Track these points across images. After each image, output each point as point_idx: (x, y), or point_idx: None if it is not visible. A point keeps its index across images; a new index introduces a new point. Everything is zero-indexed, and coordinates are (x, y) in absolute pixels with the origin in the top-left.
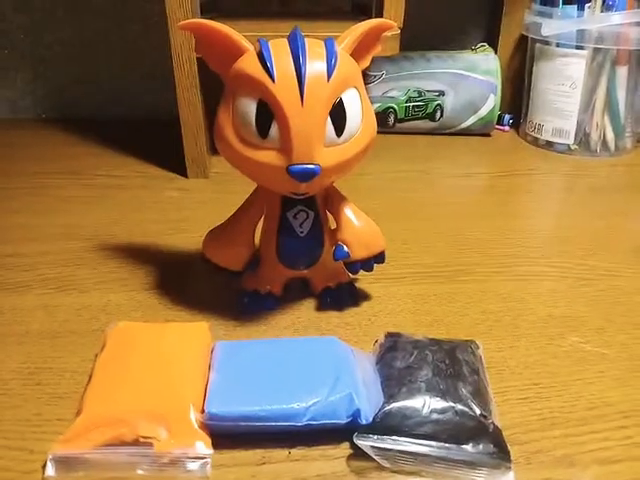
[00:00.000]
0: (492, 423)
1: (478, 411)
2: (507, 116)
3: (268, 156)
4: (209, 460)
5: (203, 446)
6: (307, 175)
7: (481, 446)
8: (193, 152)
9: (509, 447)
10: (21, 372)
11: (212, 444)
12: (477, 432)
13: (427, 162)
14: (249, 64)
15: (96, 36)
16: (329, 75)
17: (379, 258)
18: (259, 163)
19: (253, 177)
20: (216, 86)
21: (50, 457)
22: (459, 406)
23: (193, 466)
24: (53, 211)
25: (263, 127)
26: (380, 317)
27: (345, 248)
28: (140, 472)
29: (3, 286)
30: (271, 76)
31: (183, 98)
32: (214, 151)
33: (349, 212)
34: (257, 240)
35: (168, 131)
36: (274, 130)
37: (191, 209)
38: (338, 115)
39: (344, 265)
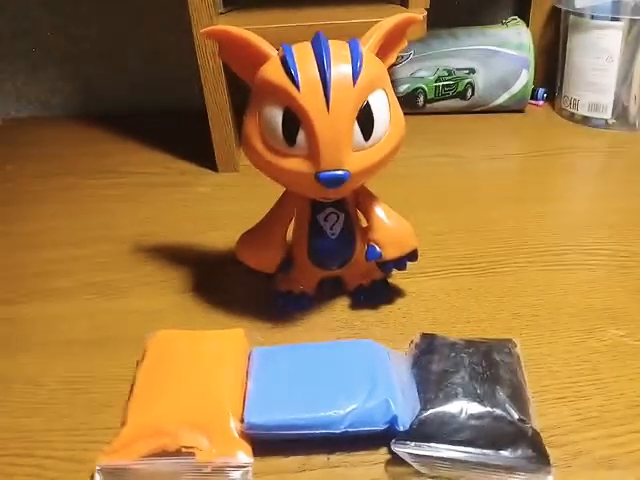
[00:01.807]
0: (530, 427)
1: (516, 415)
2: (541, 90)
3: (296, 163)
4: (250, 468)
5: (244, 455)
6: (336, 182)
7: (520, 451)
8: (222, 146)
9: (548, 450)
10: (67, 381)
11: (252, 452)
12: (515, 437)
13: (459, 144)
14: (273, 72)
15: (122, 30)
16: (355, 79)
17: (411, 257)
18: (287, 171)
19: (282, 183)
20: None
21: (98, 468)
22: (497, 411)
23: (235, 475)
24: (87, 212)
25: (290, 135)
26: (415, 314)
27: (377, 248)
28: None
29: (45, 293)
30: (296, 84)
31: (209, 93)
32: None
33: (380, 211)
34: (289, 240)
35: (197, 124)
36: (301, 137)
37: (223, 205)
38: (365, 119)
39: (377, 265)
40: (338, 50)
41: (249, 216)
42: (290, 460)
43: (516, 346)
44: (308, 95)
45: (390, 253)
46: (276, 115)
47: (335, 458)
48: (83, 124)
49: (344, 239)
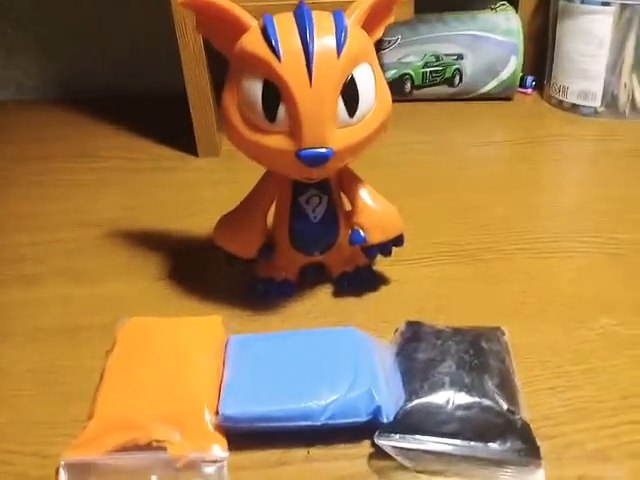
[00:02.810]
0: (520, 418)
1: (505, 406)
2: (529, 78)
3: (276, 141)
4: (225, 463)
5: (219, 449)
6: (319, 160)
7: (509, 443)
8: (202, 130)
9: (538, 442)
10: (35, 371)
11: (228, 446)
12: (504, 429)
13: (446, 131)
14: (253, 42)
15: (100, 13)
16: (339, 51)
17: (397, 241)
18: (267, 148)
19: (262, 162)
20: (224, 60)
21: (63, 463)
22: (485, 401)
23: (209, 470)
24: (62, 197)
25: (270, 109)
26: (400, 302)
27: (361, 233)
28: (154, 478)
29: (15, 279)
30: (276, 54)
31: (189, 75)
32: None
33: (364, 194)
34: (270, 225)
35: (178, 108)
36: (282, 112)
37: (204, 190)
38: (350, 94)
39: (361, 250)
40: (322, 21)
41: (230, 201)
42: (267, 453)
43: (504, 334)
44: (289, 66)
45: (375, 237)
46: (255, 88)
47: (315, 451)
48: (59, 108)
49: (327, 223)
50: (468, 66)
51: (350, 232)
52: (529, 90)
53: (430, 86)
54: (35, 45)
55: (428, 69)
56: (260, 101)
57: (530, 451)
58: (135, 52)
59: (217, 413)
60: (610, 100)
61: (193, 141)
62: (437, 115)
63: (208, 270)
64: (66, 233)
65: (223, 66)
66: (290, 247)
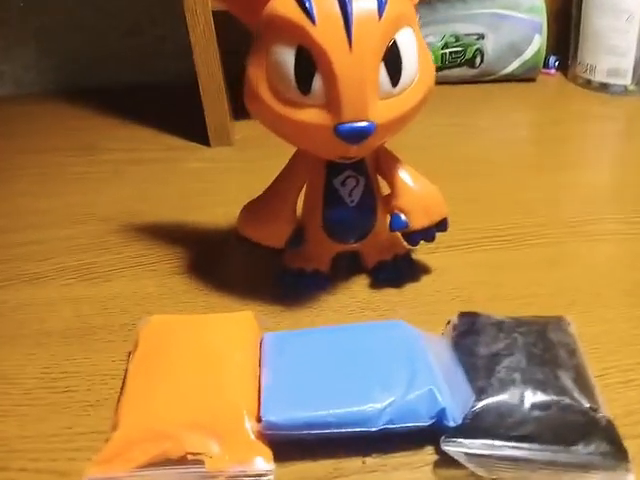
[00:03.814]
0: (603, 417)
1: (586, 404)
2: (552, 58)
3: (311, 115)
4: (272, 477)
5: (263, 461)
6: (359, 135)
7: (593, 445)
8: (214, 119)
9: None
10: (44, 378)
11: (273, 456)
12: (587, 429)
13: (468, 114)
14: (283, 4)
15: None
16: (380, 12)
17: (441, 226)
18: (301, 124)
19: (294, 141)
20: (238, 42)
21: None
22: (564, 399)
23: None
24: (67, 192)
25: (304, 80)
26: (446, 291)
27: (403, 217)
28: None
29: (18, 278)
30: (311, 17)
31: (201, 60)
32: (237, 116)
33: (405, 175)
34: (299, 212)
35: (186, 98)
36: (317, 83)
37: (217, 180)
38: (393, 60)
39: (402, 236)
40: None
41: (246, 192)
42: (318, 465)
43: (570, 324)
44: (326, 30)
45: (417, 222)
46: (287, 57)
47: (372, 461)
48: (61, 100)
49: (364, 207)
50: (489, 46)
51: (390, 217)
52: (552, 71)
53: (450, 68)
54: (33, 38)
55: (448, 50)
56: (293, 71)
57: (617, 453)
58: (140, 40)
59: (259, 420)
60: None
61: (204, 131)
62: (459, 98)
63: (231, 263)
64: (72, 230)
65: (237, 48)
66: (322, 235)
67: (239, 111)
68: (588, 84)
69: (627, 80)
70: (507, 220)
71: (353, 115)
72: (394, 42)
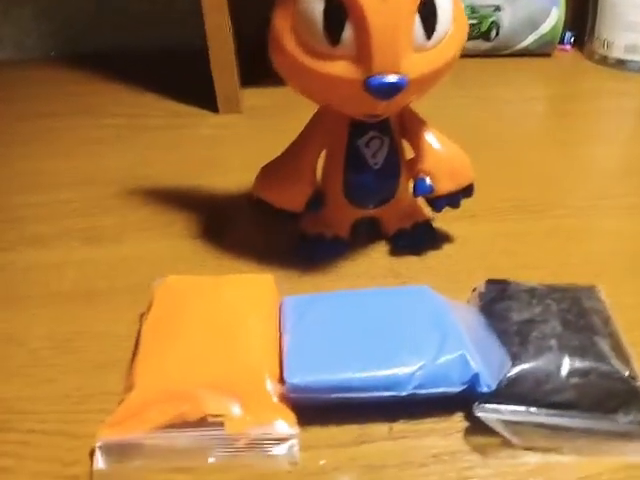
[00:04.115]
0: None
1: (626, 371)
2: (568, 34)
3: (340, 67)
4: (296, 441)
5: (286, 425)
6: (391, 90)
7: (633, 414)
8: (224, 84)
9: None
10: (53, 339)
11: (297, 421)
12: (627, 397)
13: (486, 87)
14: None
15: None
16: None
17: (467, 192)
18: (328, 77)
19: (319, 96)
20: (249, 8)
21: (99, 444)
22: (602, 366)
23: (278, 450)
24: (70, 155)
25: (334, 29)
26: (468, 261)
27: (428, 181)
28: (211, 460)
29: (22, 242)
30: None
31: (211, 22)
32: (245, 83)
33: (431, 137)
34: (319, 175)
35: (194, 64)
36: (348, 33)
37: (227, 147)
38: (428, 10)
39: (427, 201)
40: None
41: (257, 159)
42: (343, 430)
43: (601, 292)
44: None
45: (443, 186)
46: (316, 4)
47: (399, 427)
48: (64, 66)
49: (388, 170)
50: (506, 19)
51: (415, 181)
52: (567, 47)
53: None
54: (33, 1)
55: None
56: (322, 20)
57: None
58: (146, 3)
59: (282, 382)
60: None
61: (213, 97)
62: (473, 70)
63: (244, 228)
64: (75, 192)
65: (247, 12)
66: (343, 199)
67: (248, 78)
68: (604, 61)
69: None
70: (529, 191)
71: (385, 67)
72: None
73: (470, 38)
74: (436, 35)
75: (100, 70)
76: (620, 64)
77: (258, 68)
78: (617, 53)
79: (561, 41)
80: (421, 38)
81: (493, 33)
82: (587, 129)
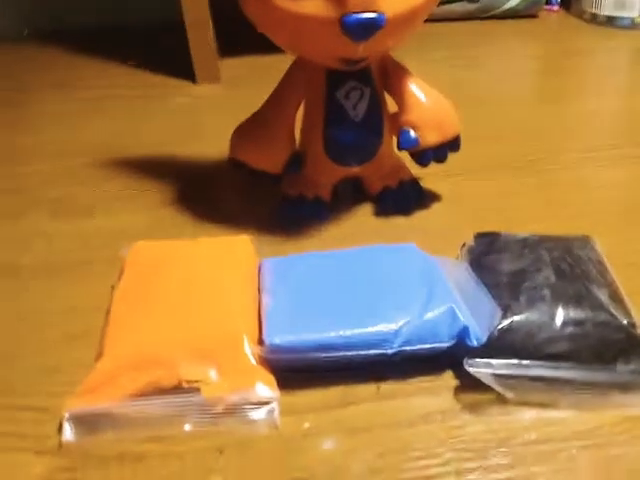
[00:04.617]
0: None
1: (624, 320)
2: None
3: (313, 5)
4: (275, 405)
5: (266, 387)
6: (368, 27)
7: (633, 364)
8: (201, 53)
9: None
10: (18, 313)
11: (277, 384)
12: (626, 346)
13: (472, 47)
14: None
15: None
16: None
17: (454, 144)
18: (302, 17)
19: (292, 42)
20: None
21: (67, 416)
22: (600, 315)
23: (256, 414)
24: (39, 127)
25: None
26: (457, 218)
27: (412, 133)
28: (187, 427)
29: None
30: None
31: None
32: (223, 53)
33: (415, 88)
34: (297, 132)
35: (170, 37)
36: None
37: (205, 115)
38: None
39: (411, 155)
40: None
41: (236, 126)
42: (327, 392)
43: (596, 243)
44: None
45: (429, 138)
46: None
47: (387, 387)
48: (36, 44)
49: (370, 123)
50: None
51: (399, 133)
52: (555, 7)
53: (448, 2)
54: None
55: None
56: None
57: None
58: None
59: (261, 343)
60: None
61: (190, 68)
62: (461, 34)
63: (225, 193)
64: (46, 164)
65: None
66: (324, 157)
67: (228, 48)
68: (594, 19)
69: (635, 12)
70: (520, 148)
71: (361, 5)
72: None
73: (454, 0)
74: None
75: (75, 46)
76: (610, 21)
77: (237, 37)
78: (607, 10)
79: (548, 2)
80: None
81: None
82: (577, 86)
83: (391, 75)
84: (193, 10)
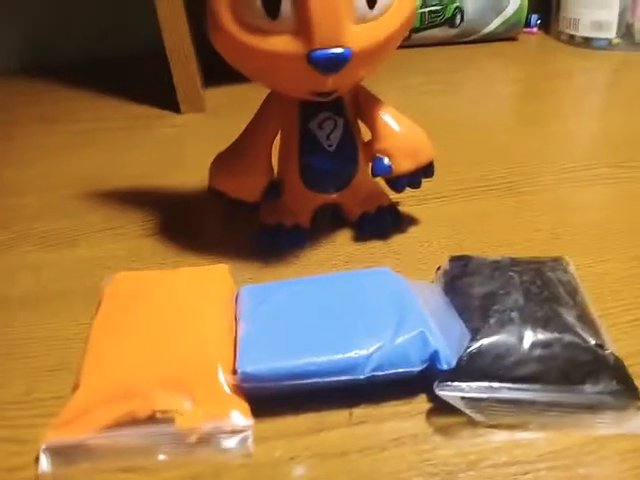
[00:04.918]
0: (611, 354)
1: (592, 340)
2: (534, 16)
3: (281, 42)
4: (250, 433)
5: (240, 415)
6: (335, 62)
7: (602, 384)
8: (184, 83)
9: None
10: (2, 345)
11: (251, 412)
12: (594, 367)
13: (451, 74)
14: None
15: None
16: None
17: (428, 170)
18: (269, 53)
19: (262, 76)
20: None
21: (44, 447)
22: (567, 336)
23: (230, 442)
24: (26, 161)
25: (272, 3)
26: (434, 242)
27: (386, 160)
28: (162, 457)
29: None
30: None
31: (166, 21)
32: (208, 83)
33: (387, 116)
34: (275, 162)
35: (155, 66)
36: (287, 5)
37: (189, 146)
38: None
39: (386, 182)
40: None
41: None
42: (301, 419)
43: (569, 264)
44: None
45: (402, 165)
46: None
47: (359, 412)
48: (24, 77)
49: (344, 152)
50: (469, 4)
51: (372, 161)
52: (534, 29)
53: (430, 28)
54: None
55: (427, 9)
56: None
57: (628, 391)
58: (102, 9)
59: (234, 372)
60: (625, 30)
61: (174, 98)
62: (441, 59)
63: (205, 223)
64: (31, 198)
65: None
66: (301, 185)
67: (211, 78)
68: (572, 40)
69: (611, 33)
70: (497, 170)
71: (327, 40)
72: None
73: (435, 25)
74: (379, 5)
75: (63, 80)
76: (587, 42)
77: (220, 67)
78: (583, 31)
79: (527, 24)
80: (363, 8)
81: (458, 19)
82: (555, 108)
83: (363, 104)
84: (175, 41)
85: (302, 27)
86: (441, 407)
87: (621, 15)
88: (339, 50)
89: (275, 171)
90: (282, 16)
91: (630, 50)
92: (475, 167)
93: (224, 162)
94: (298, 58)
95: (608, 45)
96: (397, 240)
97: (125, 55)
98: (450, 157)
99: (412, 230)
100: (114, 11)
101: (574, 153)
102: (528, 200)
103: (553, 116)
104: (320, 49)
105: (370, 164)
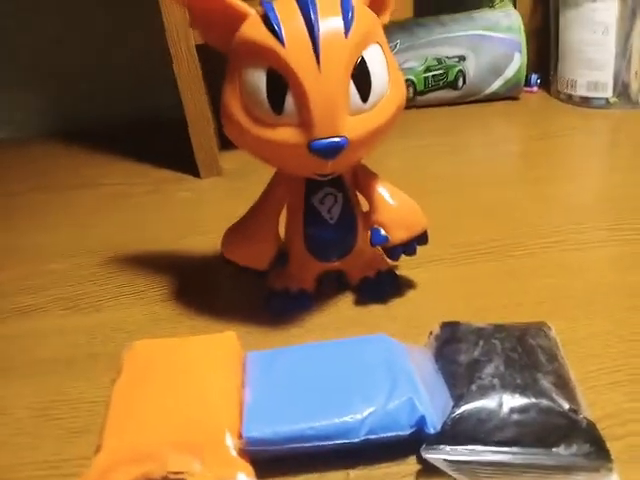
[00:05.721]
0: (584, 418)
1: (566, 405)
2: (534, 76)
3: (285, 134)
4: None
5: (245, 477)
6: (333, 150)
7: (575, 447)
8: (202, 149)
9: (607, 444)
10: (35, 408)
11: (255, 473)
12: (568, 431)
13: (455, 133)
14: (253, 29)
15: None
16: (347, 30)
17: (421, 239)
18: (275, 143)
19: (270, 160)
20: (221, 71)
21: None
22: (543, 402)
23: None
24: (57, 226)
25: (276, 100)
26: (428, 305)
27: (382, 231)
28: None
29: (11, 312)
30: (280, 39)
31: (186, 91)
32: (225, 146)
33: (383, 190)
34: (282, 232)
35: (176, 132)
36: (289, 102)
37: (207, 209)
38: (362, 76)
39: (383, 251)
40: (325, 0)
41: (236, 219)
42: (302, 479)
43: (551, 329)
44: (294, 51)
45: (397, 236)
46: (259, 78)
47: (356, 473)
48: (50, 144)
49: (344, 224)
50: (471, 67)
51: (370, 232)
52: (535, 88)
53: (433, 90)
54: (22, 79)
55: (430, 73)
56: (265, 92)
57: (600, 453)
58: (127, 80)
59: (240, 437)
60: (621, 89)
61: (194, 163)
62: (444, 119)
63: (219, 287)
64: (62, 263)
65: (221, 78)
66: (306, 254)
67: (228, 141)
68: (570, 99)
69: (608, 93)
70: (490, 233)
71: (325, 131)
72: (362, 59)
73: (438, 88)
74: (372, 98)
75: (88, 145)
76: (585, 102)
77: None
78: (581, 91)
79: (528, 83)
80: (357, 102)
81: (460, 82)
82: (552, 168)
83: (361, 180)
84: (194, 110)
85: (303, 120)
86: (429, 469)
87: (617, 75)
88: (337, 139)
89: (282, 240)
90: (285, 111)
91: (628, 108)
92: (469, 230)
93: (235, 233)
94: (300, 147)
95: (606, 104)
96: (395, 304)
97: (146, 121)
98: (446, 219)
99: (409, 293)
100: (137, 80)
101: (566, 216)
102: (519, 263)
103: (549, 177)
104: (320, 139)
105: (368, 233)
